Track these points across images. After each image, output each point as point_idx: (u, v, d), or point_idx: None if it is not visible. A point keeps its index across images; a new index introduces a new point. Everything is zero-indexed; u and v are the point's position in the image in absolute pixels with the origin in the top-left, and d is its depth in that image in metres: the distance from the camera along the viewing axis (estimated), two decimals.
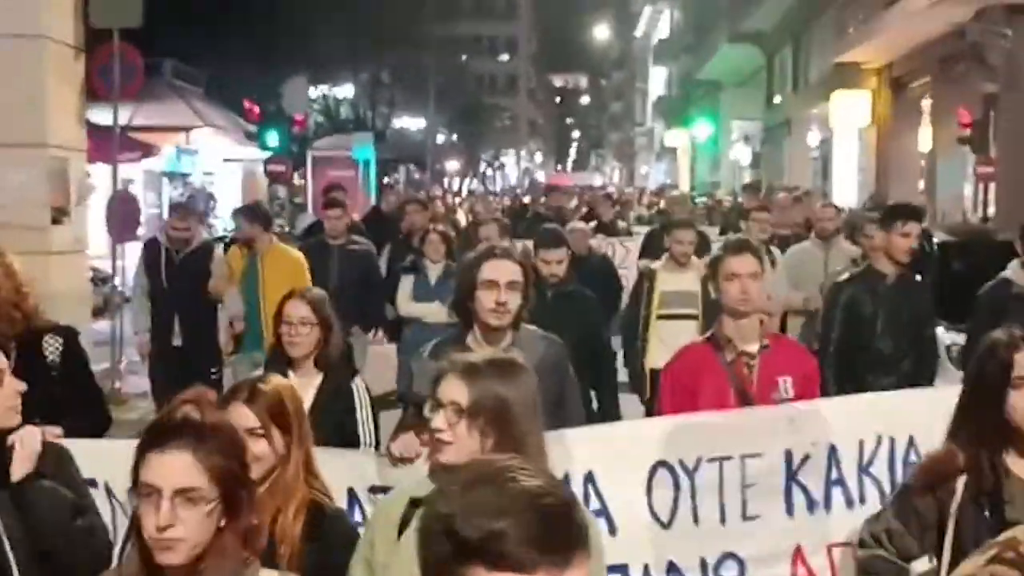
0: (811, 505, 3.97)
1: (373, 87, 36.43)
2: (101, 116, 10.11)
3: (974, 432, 3.09)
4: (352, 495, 3.79)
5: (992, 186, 16.05)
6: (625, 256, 11.10)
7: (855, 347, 5.78)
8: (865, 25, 19.38)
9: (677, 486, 3.85)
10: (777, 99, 31.35)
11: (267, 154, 23.73)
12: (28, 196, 7.36)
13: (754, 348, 4.10)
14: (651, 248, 9.75)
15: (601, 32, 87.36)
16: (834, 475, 3.99)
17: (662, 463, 3.87)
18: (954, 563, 2.95)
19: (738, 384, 4.07)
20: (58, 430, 3.65)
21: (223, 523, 2.29)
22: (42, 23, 7.53)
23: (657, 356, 6.88)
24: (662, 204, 16.84)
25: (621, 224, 14.03)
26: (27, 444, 3.10)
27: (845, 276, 6.10)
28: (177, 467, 2.23)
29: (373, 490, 3.79)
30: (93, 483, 3.70)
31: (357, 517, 3.69)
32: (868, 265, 6.05)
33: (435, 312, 7.91)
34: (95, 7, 8.05)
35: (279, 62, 25.71)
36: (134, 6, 8.40)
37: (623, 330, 7.44)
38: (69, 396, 4.27)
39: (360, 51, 33.01)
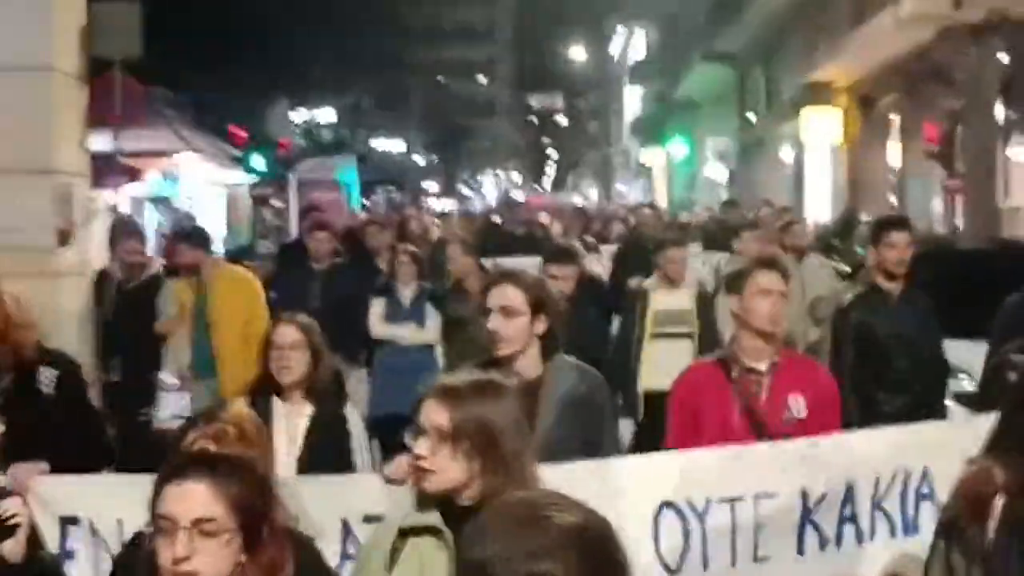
0: (823, 543, 3.79)
1: (355, 110, 36.96)
2: (94, 142, 10.45)
3: (1016, 447, 2.74)
4: (346, 526, 3.67)
5: (959, 199, 16.60)
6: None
7: (869, 370, 5.57)
8: (833, 45, 19.95)
9: (687, 531, 3.64)
10: (751, 117, 31.94)
11: (250, 177, 24.06)
12: (36, 220, 7.68)
13: (763, 365, 3.94)
14: (625, 267, 9.70)
15: (577, 53, 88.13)
16: (847, 512, 3.82)
17: (668, 504, 3.65)
18: None
19: (745, 402, 3.89)
20: (43, 465, 3.69)
21: (243, 557, 2.23)
22: (48, 56, 7.91)
23: (651, 377, 6.85)
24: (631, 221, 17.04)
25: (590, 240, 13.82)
26: (16, 518, 2.85)
27: (849, 298, 5.88)
28: (193, 498, 2.18)
29: (368, 519, 3.63)
30: (75, 520, 3.67)
31: (351, 549, 3.59)
32: (871, 285, 5.82)
33: (409, 334, 7.86)
34: (97, 38, 8.44)
35: (262, 87, 26.13)
36: (134, 37, 8.80)
37: (615, 351, 7.24)
38: (66, 429, 4.21)
39: (342, 75, 33.50)
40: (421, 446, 2.54)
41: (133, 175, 16.80)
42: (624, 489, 3.56)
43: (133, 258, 7.60)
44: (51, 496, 3.70)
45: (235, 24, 25.35)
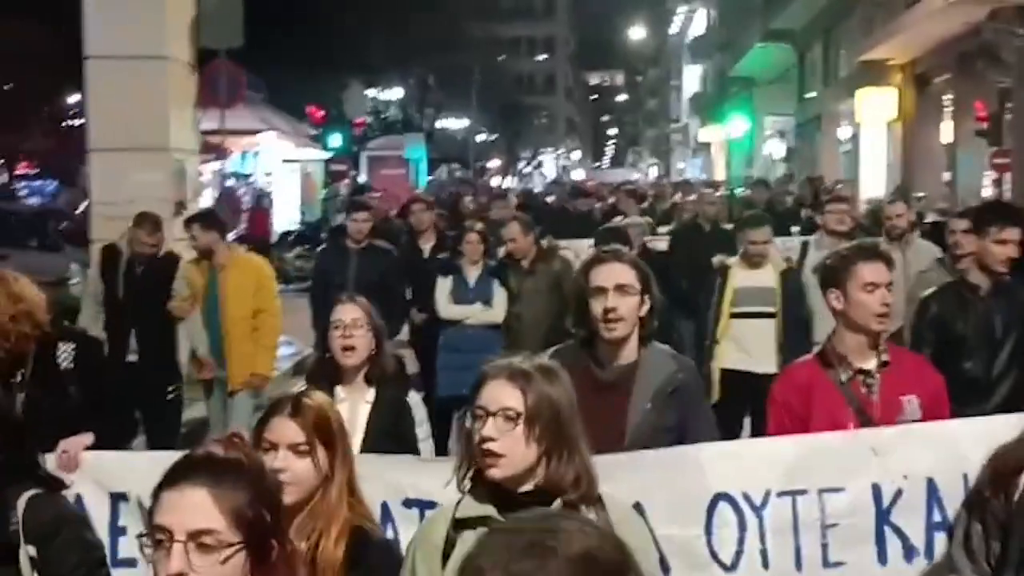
0: (909, 553, 3.43)
1: (420, 89, 37.81)
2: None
3: None
4: (385, 510, 3.47)
5: (1008, 175, 17.07)
6: None
7: (945, 372, 4.75)
8: (889, 24, 20.42)
9: (743, 524, 3.39)
10: (809, 95, 32.31)
11: (322, 155, 25.12)
12: (154, 193, 8.75)
13: (872, 365, 3.61)
14: (684, 248, 9.39)
15: (637, 30, 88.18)
16: (936, 516, 3.43)
17: (723, 495, 3.40)
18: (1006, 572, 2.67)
19: (858, 407, 3.57)
20: (87, 438, 3.69)
21: None
22: (164, 46, 8.99)
23: (729, 357, 6.74)
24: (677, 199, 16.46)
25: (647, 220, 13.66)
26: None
27: (932, 290, 5.26)
28: (190, 506, 1.94)
29: (408, 503, 3.50)
30: (124, 496, 3.61)
31: (390, 534, 3.41)
32: (960, 276, 5.28)
33: (476, 313, 7.76)
34: (204, 30, 9.45)
35: (333, 68, 27.11)
36: (237, 28, 9.80)
37: (697, 330, 7.16)
38: (85, 403, 4.27)
39: (408, 55, 34.38)
40: (489, 429, 2.46)
41: (220, 153, 17.92)
42: (674, 479, 3.33)
43: (144, 248, 7.26)
44: (100, 471, 3.65)
45: (301, 7, 26.23)
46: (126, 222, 7.56)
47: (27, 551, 2.78)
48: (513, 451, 2.47)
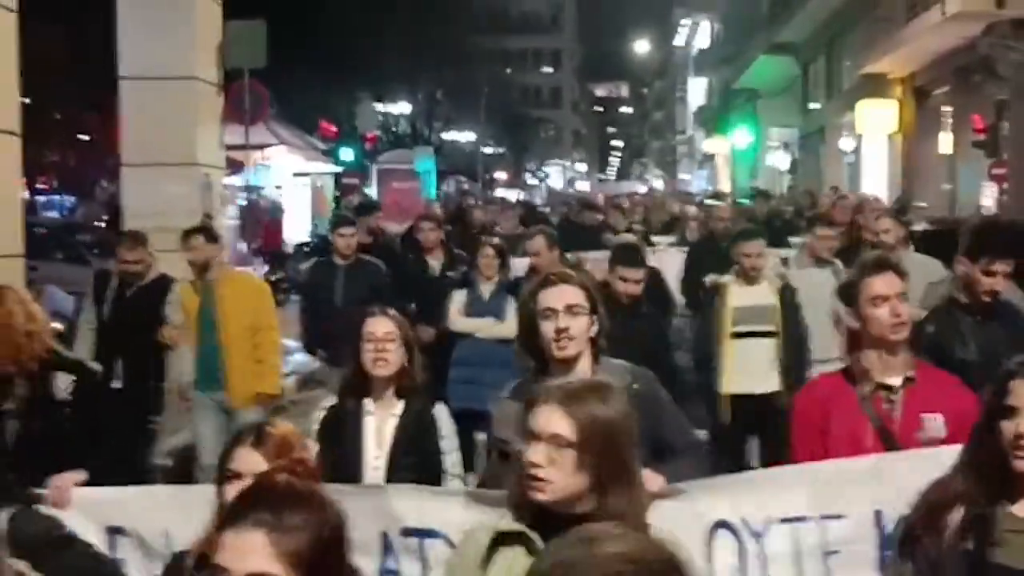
0: None
1: (429, 103, 38.33)
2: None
3: (976, 458, 2.74)
4: (385, 540, 3.41)
5: (1006, 186, 17.49)
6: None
7: None
8: (889, 38, 20.87)
9: (742, 552, 3.33)
10: (812, 107, 32.75)
11: (331, 168, 25.59)
12: (183, 205, 9.26)
13: (897, 381, 3.55)
14: (699, 265, 9.00)
15: (642, 43, 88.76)
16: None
17: (723, 523, 3.34)
18: None
19: (878, 423, 3.50)
20: (81, 475, 3.55)
21: None
22: (193, 68, 9.52)
23: (732, 380, 6.53)
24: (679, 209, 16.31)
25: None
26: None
27: (924, 314, 5.05)
28: (248, 549, 1.90)
29: (406, 533, 3.43)
30: (121, 531, 3.53)
31: (391, 564, 3.38)
32: (950, 296, 5.04)
33: (488, 327, 7.71)
34: (230, 52, 9.96)
35: (342, 83, 27.63)
36: (260, 50, 10.30)
37: (695, 351, 6.89)
38: (81, 436, 4.30)
39: (413, 69, 34.93)
40: (537, 455, 2.42)
41: (235, 167, 18.43)
42: (673, 507, 3.20)
43: (127, 267, 7.12)
44: (94, 507, 3.55)
45: (312, 23, 26.73)
46: (156, 234, 7.80)
47: (11, 567, 2.64)
48: (560, 478, 2.42)
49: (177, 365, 6.96)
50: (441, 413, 4.25)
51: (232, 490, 2.60)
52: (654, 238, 12.60)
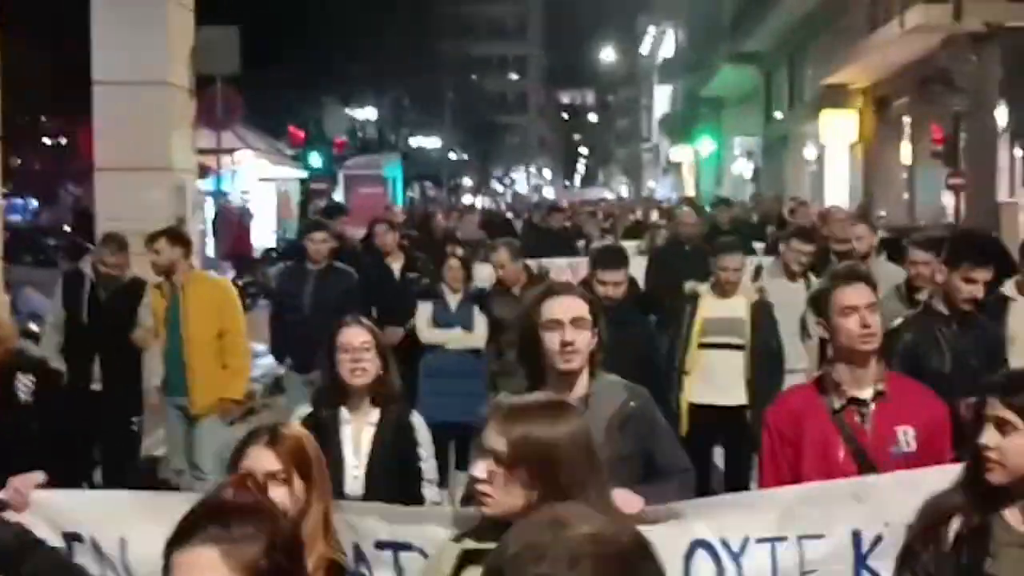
0: None
1: (396, 109, 38.44)
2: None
3: (969, 471, 2.79)
4: (357, 551, 3.37)
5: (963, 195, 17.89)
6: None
7: None
8: (850, 49, 21.27)
9: (720, 572, 3.30)
10: (776, 116, 33.20)
11: (298, 173, 25.63)
12: (157, 209, 9.36)
13: (868, 394, 3.54)
14: (663, 271, 9.13)
15: (608, 51, 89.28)
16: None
17: (701, 542, 3.28)
18: None
19: (848, 436, 3.51)
20: (39, 476, 3.47)
21: None
22: (166, 73, 9.61)
23: (696, 390, 6.51)
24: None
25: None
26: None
27: (899, 321, 5.07)
28: (201, 568, 1.83)
29: (380, 546, 3.38)
30: (78, 537, 3.44)
31: (363, 572, 3.36)
32: (926, 304, 5.13)
33: (457, 338, 7.71)
34: (203, 58, 10.08)
35: (309, 88, 27.70)
36: (233, 57, 10.42)
37: (666, 358, 6.66)
38: (44, 437, 4.25)
39: (379, 75, 35.04)
40: (478, 469, 2.46)
41: (202, 171, 18.50)
42: (650, 526, 3.09)
43: (109, 271, 7.14)
44: (52, 510, 3.47)
45: (277, 25, 26.72)
46: (130, 236, 7.90)
47: None
48: (498, 492, 2.43)
49: (150, 367, 6.98)
50: (417, 421, 4.24)
51: None
52: (622, 243, 12.30)
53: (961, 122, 17.43)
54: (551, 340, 3.36)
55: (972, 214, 17.01)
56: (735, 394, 6.54)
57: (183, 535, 1.87)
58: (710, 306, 6.63)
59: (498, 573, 1.45)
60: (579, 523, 1.48)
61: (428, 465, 4.22)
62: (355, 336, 4.11)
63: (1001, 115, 16.36)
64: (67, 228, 19.78)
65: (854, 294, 3.58)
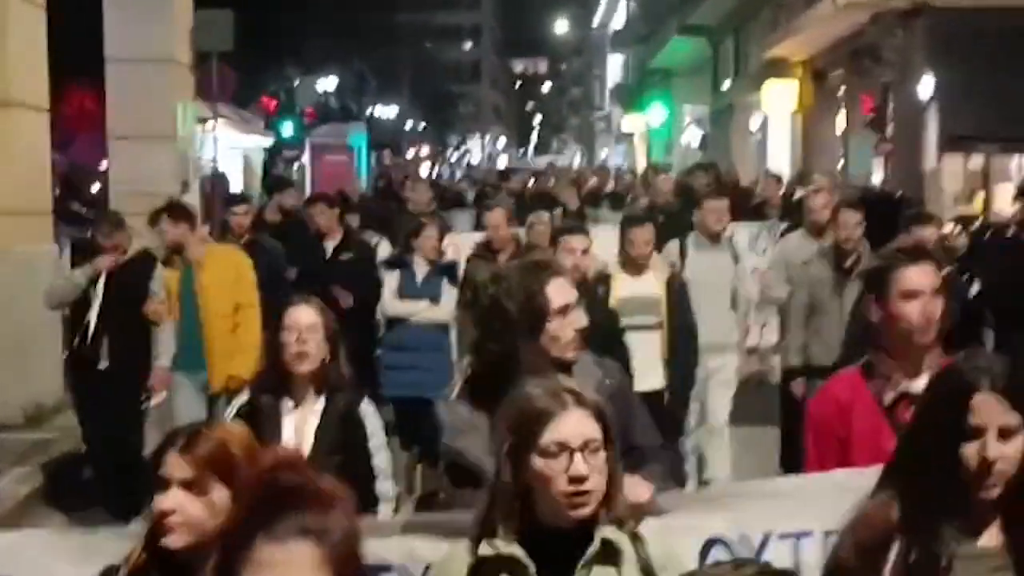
0: None
1: (357, 79, 39.31)
2: None
3: (921, 485, 2.40)
4: None
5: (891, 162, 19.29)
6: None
7: None
8: (789, 23, 22.58)
9: None
10: (724, 86, 34.48)
11: (262, 141, 26.53)
12: (165, 173, 10.55)
13: (920, 387, 3.02)
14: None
15: (561, 21, 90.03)
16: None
17: (717, 540, 2.97)
18: None
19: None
20: None
21: None
22: (170, 50, 10.78)
23: None
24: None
25: (592, 213, 13.15)
26: None
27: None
28: (297, 566, 1.66)
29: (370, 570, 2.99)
30: None
31: None
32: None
33: (423, 310, 7.42)
34: (200, 36, 11.23)
35: (271, 58, 28.56)
36: (227, 34, 11.56)
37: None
38: None
39: (338, 44, 35.88)
40: (581, 466, 2.37)
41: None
42: (662, 523, 2.88)
43: (106, 254, 6.81)
44: None
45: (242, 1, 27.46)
46: (140, 198, 8.72)
47: None
48: (599, 484, 2.37)
49: (163, 343, 6.78)
50: (367, 410, 3.95)
51: (164, 500, 2.43)
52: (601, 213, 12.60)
53: (889, 93, 18.80)
54: (561, 327, 3.13)
55: (897, 180, 18.36)
56: (652, 378, 6.17)
57: (273, 520, 1.66)
58: (623, 285, 6.30)
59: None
60: None
61: (380, 458, 3.95)
62: (302, 315, 3.84)
63: (926, 86, 17.54)
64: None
65: (919, 276, 3.21)
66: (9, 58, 7.93)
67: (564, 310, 3.15)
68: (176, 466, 2.49)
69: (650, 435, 3.39)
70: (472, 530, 2.46)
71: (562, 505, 2.37)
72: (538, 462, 2.38)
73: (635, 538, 2.46)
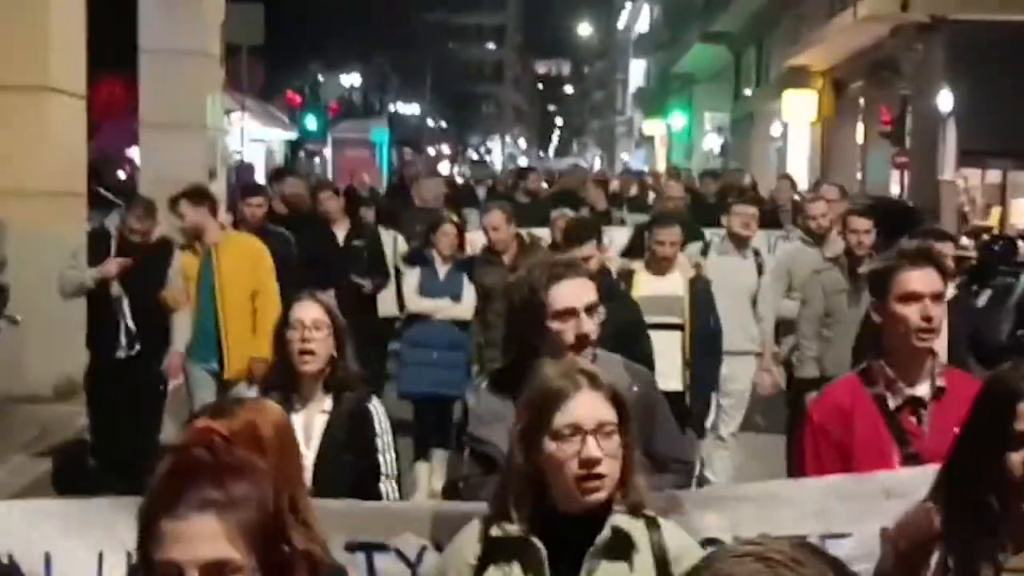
0: None
1: (380, 76, 39.65)
2: None
3: (967, 495, 2.42)
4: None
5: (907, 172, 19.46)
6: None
7: None
8: (810, 34, 22.78)
9: None
10: (744, 93, 34.66)
11: (286, 135, 26.87)
12: (193, 161, 10.87)
13: (924, 391, 3.15)
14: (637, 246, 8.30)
15: (585, 24, 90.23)
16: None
17: (713, 541, 2.94)
18: None
19: (904, 440, 3.13)
20: None
21: None
22: (203, 43, 11.11)
23: None
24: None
25: (617, 215, 12.87)
26: None
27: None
28: (200, 535, 1.68)
29: (351, 548, 3.03)
30: None
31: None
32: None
33: (446, 308, 7.36)
34: (231, 29, 11.56)
35: (296, 54, 28.91)
36: (258, 28, 11.90)
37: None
38: None
39: (362, 42, 36.22)
40: (593, 449, 2.34)
41: None
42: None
43: (135, 237, 6.79)
44: None
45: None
46: (169, 185, 9.01)
47: None
48: (614, 469, 2.34)
49: (180, 331, 6.76)
50: (376, 408, 3.87)
51: None
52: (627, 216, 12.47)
53: (907, 105, 18.98)
54: (564, 331, 3.09)
55: (914, 191, 18.53)
56: (672, 378, 6.06)
57: (173, 500, 1.70)
58: (645, 284, 6.26)
59: None
60: (789, 569, 1.26)
61: (385, 459, 3.86)
62: (306, 312, 3.78)
63: (944, 99, 17.68)
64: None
65: (921, 279, 3.17)
66: (51, 45, 8.25)
67: (566, 313, 3.07)
68: None
69: (673, 447, 3.34)
70: (486, 512, 2.45)
71: (574, 490, 2.32)
72: (551, 445, 2.34)
73: (651, 525, 2.41)
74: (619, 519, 2.36)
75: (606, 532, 2.34)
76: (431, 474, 7.15)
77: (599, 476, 2.31)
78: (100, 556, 2.98)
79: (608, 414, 2.35)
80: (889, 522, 2.76)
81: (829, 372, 6.36)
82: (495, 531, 2.38)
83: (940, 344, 3.53)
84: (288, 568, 1.82)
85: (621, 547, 2.37)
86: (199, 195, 6.87)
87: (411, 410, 7.43)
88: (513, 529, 2.35)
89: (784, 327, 7.31)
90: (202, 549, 1.68)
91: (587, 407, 2.34)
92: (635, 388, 3.14)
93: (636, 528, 2.38)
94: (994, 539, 2.34)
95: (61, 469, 7.14)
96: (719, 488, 3.62)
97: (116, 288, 6.67)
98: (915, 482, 2.84)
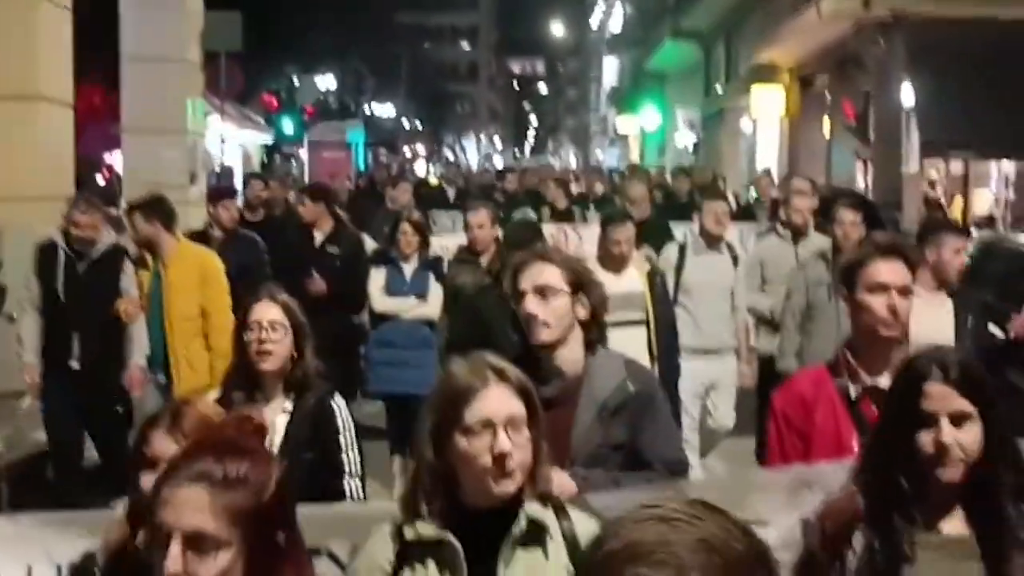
0: None
1: (355, 76, 39.90)
2: None
3: (879, 475, 2.51)
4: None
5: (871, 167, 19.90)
6: (579, 247, 9.17)
7: None
8: (777, 30, 23.22)
9: None
10: (718, 88, 35.06)
11: (264, 138, 27.11)
12: (175, 165, 11.19)
13: (887, 381, 3.03)
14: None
15: (558, 23, 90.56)
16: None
17: None
18: None
19: (864, 429, 3.10)
20: None
21: None
22: (182, 51, 11.46)
23: None
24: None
25: (587, 214, 13.15)
26: None
27: None
28: (188, 505, 1.82)
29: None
30: None
31: None
32: None
33: (412, 307, 7.40)
34: (210, 36, 11.90)
35: (271, 56, 29.14)
36: (236, 36, 12.24)
37: None
38: None
39: (337, 43, 36.45)
40: (504, 443, 2.36)
41: None
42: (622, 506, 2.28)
43: (80, 232, 6.49)
44: None
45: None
46: (152, 188, 9.35)
47: None
48: (524, 461, 2.37)
49: (136, 343, 6.57)
50: (337, 406, 3.83)
51: (149, 479, 2.31)
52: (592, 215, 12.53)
53: (871, 100, 19.42)
54: (524, 309, 3.20)
55: (878, 184, 18.98)
56: None
57: (177, 468, 1.86)
58: (604, 282, 6.17)
59: (590, 568, 1.30)
60: (691, 524, 1.28)
61: (348, 456, 3.83)
62: (264, 312, 3.74)
63: (906, 93, 17.82)
64: None
65: (888, 271, 3.24)
66: (38, 56, 8.57)
67: (528, 292, 3.17)
68: (164, 444, 2.51)
69: (665, 447, 3.32)
70: (396, 513, 2.43)
71: (486, 483, 2.35)
72: (462, 441, 2.36)
73: (560, 513, 2.45)
74: (532, 509, 2.40)
75: (521, 522, 2.37)
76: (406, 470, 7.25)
77: (511, 469, 2.34)
78: (29, 570, 2.95)
79: (517, 407, 2.38)
80: (807, 514, 2.78)
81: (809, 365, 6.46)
82: (408, 532, 2.37)
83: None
84: (278, 558, 1.89)
85: (535, 536, 2.41)
86: (151, 208, 6.67)
87: (383, 408, 7.59)
88: (427, 528, 2.35)
89: (756, 321, 7.36)
90: (186, 517, 1.81)
91: (497, 401, 2.36)
92: (631, 386, 3.20)
93: (548, 517, 2.42)
94: (911, 517, 2.46)
95: (17, 486, 6.95)
96: (650, 483, 3.07)
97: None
98: (833, 475, 2.90)
